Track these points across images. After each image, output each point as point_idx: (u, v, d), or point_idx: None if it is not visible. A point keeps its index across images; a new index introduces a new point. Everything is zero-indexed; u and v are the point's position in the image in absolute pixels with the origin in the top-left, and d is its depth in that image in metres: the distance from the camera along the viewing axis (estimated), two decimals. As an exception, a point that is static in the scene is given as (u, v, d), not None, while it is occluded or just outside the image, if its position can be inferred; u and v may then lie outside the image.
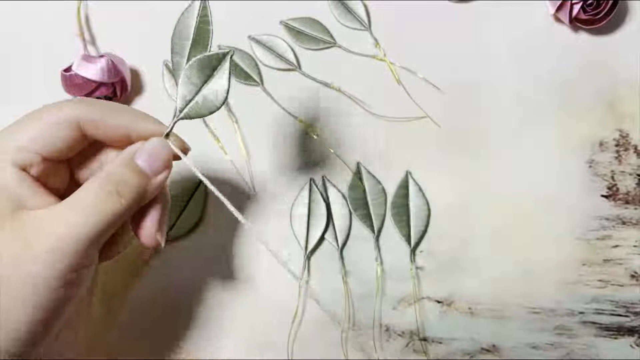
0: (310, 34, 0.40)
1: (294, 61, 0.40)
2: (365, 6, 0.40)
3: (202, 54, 0.28)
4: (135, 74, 0.40)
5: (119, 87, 0.38)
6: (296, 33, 0.40)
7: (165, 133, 0.28)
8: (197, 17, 0.29)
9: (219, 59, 0.28)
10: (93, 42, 0.40)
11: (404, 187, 0.38)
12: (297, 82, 0.40)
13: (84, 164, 0.30)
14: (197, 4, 0.29)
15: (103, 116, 0.28)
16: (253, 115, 0.39)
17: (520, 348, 0.37)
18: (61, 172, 0.29)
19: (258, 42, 0.40)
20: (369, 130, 0.39)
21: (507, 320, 0.37)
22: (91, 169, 0.30)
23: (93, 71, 0.37)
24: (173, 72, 0.29)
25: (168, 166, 0.28)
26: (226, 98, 0.27)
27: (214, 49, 0.40)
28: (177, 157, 0.29)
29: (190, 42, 0.28)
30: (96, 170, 0.30)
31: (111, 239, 0.28)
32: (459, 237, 0.38)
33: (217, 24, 0.40)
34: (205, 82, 0.28)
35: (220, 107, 0.28)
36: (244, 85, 0.40)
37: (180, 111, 0.28)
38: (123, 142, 0.28)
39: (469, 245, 0.37)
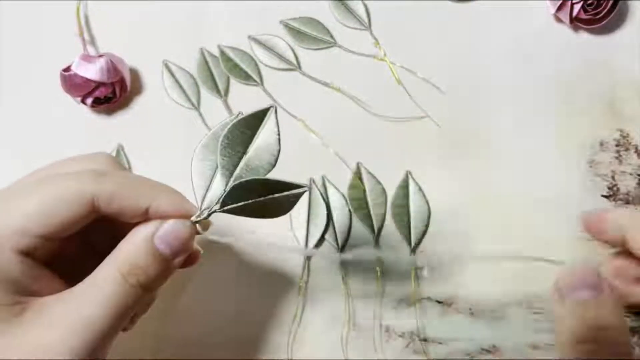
0: (310, 34, 0.40)
1: (294, 61, 0.40)
2: (365, 6, 0.40)
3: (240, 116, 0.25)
4: (135, 74, 0.40)
5: (119, 87, 0.38)
6: (296, 33, 0.40)
7: (195, 220, 0.26)
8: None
9: (260, 117, 0.25)
10: (92, 42, 0.40)
11: (404, 187, 0.38)
12: (297, 82, 0.40)
13: (95, 236, 0.28)
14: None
15: (119, 190, 0.25)
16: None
17: (521, 348, 0.37)
18: (70, 245, 0.27)
19: (258, 42, 0.40)
20: (369, 130, 0.39)
21: (507, 320, 0.37)
22: (104, 238, 0.27)
23: (92, 71, 0.36)
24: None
25: (190, 248, 0.26)
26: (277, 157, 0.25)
27: (213, 48, 0.41)
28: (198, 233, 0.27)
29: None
30: (108, 242, 0.27)
31: None
32: (459, 237, 0.37)
33: (217, 24, 0.41)
34: (246, 149, 0.25)
35: (274, 166, 0.25)
36: (244, 85, 0.40)
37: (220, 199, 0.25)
38: (139, 218, 0.26)
39: (469, 246, 0.37)
